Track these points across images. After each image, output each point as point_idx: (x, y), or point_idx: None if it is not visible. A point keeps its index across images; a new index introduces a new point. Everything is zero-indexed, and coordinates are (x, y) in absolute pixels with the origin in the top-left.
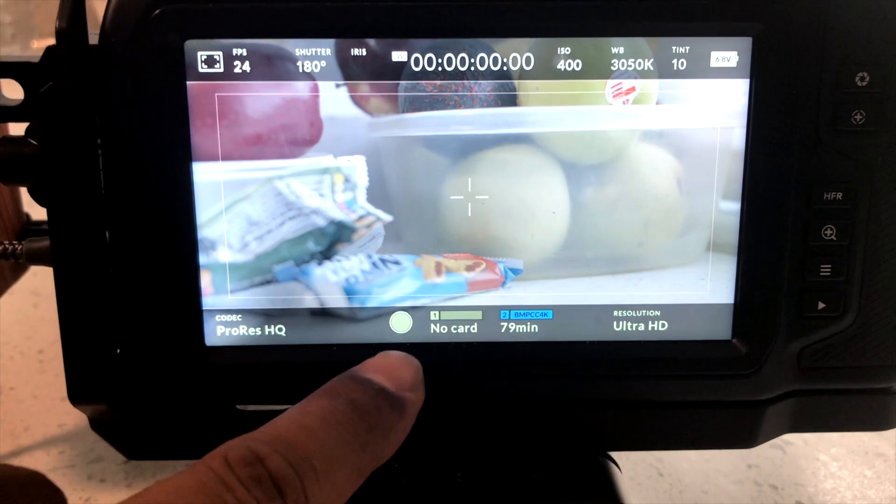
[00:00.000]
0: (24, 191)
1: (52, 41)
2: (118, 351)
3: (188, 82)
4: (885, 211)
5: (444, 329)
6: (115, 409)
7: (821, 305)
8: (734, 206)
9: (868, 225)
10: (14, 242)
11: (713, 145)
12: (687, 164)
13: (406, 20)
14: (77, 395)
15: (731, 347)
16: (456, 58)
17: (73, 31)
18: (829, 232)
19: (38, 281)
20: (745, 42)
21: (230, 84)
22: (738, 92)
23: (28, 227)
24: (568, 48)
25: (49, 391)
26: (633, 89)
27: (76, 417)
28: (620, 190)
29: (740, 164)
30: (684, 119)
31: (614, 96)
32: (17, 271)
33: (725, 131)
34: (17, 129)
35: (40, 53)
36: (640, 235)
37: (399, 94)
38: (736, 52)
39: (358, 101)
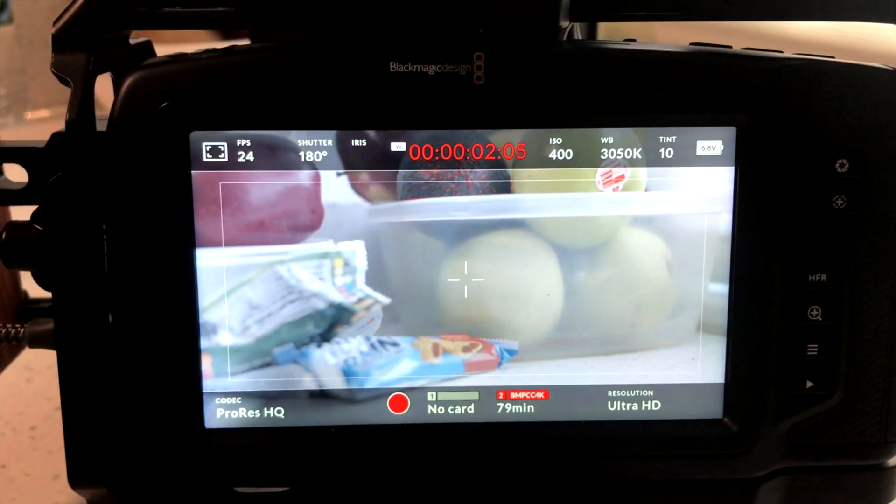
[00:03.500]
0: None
1: (45, 112)
2: (119, 432)
3: (193, 171)
4: (868, 291)
5: (441, 410)
6: (115, 493)
7: (809, 384)
8: (722, 288)
9: (853, 305)
10: (16, 325)
11: (701, 230)
12: (676, 247)
13: (405, 113)
14: (77, 478)
15: (722, 426)
16: (452, 148)
17: (82, 123)
18: (814, 312)
19: (32, 355)
20: (730, 132)
21: (234, 173)
22: (723, 179)
23: (26, 306)
24: (559, 138)
25: (41, 469)
26: (622, 177)
27: (68, 496)
28: (612, 273)
29: (727, 247)
30: (672, 205)
31: (604, 184)
32: (15, 350)
33: (712, 216)
34: (18, 211)
35: (34, 125)
36: (631, 317)
37: (398, 181)
38: (721, 142)
39: (358, 188)
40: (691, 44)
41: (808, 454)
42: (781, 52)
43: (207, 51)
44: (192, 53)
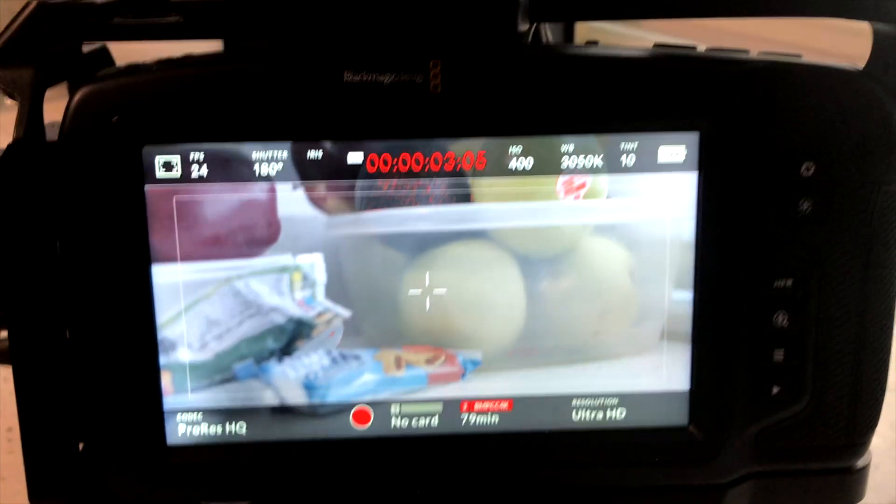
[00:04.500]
0: None
1: None
2: (80, 447)
3: (147, 186)
4: (834, 295)
5: (405, 423)
6: None
7: (776, 389)
8: (687, 295)
9: (819, 309)
10: None
11: (664, 237)
12: (639, 255)
13: (360, 124)
14: (37, 494)
15: (688, 434)
16: (411, 158)
17: (32, 139)
18: (780, 318)
19: None
20: (693, 137)
21: (188, 187)
22: (686, 185)
23: None
24: (519, 146)
25: (17, 472)
26: (583, 185)
27: None
28: (575, 282)
29: (691, 254)
30: (634, 212)
31: (566, 192)
32: None
33: (676, 223)
34: None
35: (14, 111)
36: (595, 325)
37: (356, 193)
38: (684, 147)
39: (315, 200)
40: (655, 45)
41: (776, 458)
42: (747, 50)
43: (160, 62)
44: (144, 64)
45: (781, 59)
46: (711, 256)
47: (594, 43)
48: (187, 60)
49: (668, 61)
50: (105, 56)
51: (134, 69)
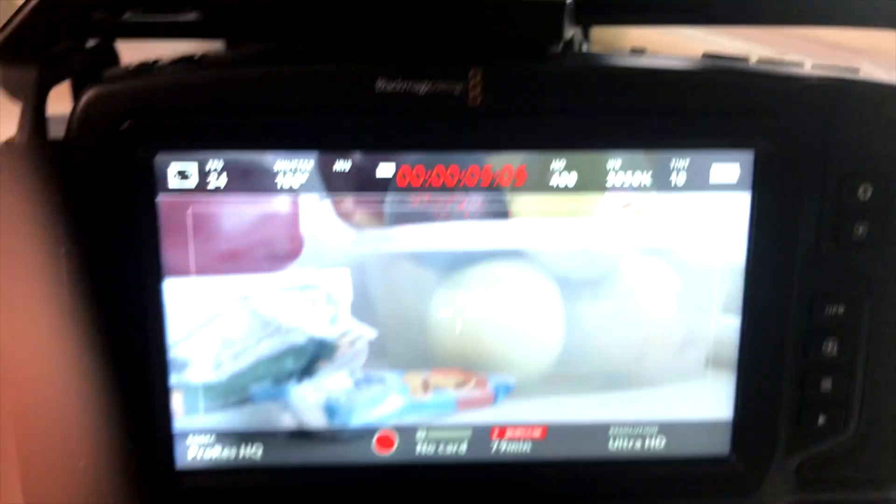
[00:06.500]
0: None
1: None
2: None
3: (159, 196)
4: (886, 324)
5: (430, 449)
6: None
7: (822, 420)
8: (734, 322)
9: (870, 338)
10: None
11: (713, 259)
12: (685, 278)
13: (391, 136)
14: None
15: (729, 465)
16: (445, 171)
17: (35, 142)
18: (830, 346)
19: None
20: (747, 155)
21: (204, 198)
22: (738, 206)
23: None
24: (563, 162)
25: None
26: (629, 203)
27: None
28: (617, 305)
29: (740, 278)
30: (683, 233)
31: (610, 211)
32: None
33: (725, 245)
34: None
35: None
36: (636, 351)
37: (385, 208)
38: (738, 165)
39: (341, 214)
40: (704, 55)
41: (820, 489)
42: (802, 63)
43: (175, 62)
44: (157, 64)
45: (838, 76)
46: (761, 281)
47: (641, 51)
48: (206, 61)
49: (723, 76)
50: (109, 53)
51: (146, 69)
